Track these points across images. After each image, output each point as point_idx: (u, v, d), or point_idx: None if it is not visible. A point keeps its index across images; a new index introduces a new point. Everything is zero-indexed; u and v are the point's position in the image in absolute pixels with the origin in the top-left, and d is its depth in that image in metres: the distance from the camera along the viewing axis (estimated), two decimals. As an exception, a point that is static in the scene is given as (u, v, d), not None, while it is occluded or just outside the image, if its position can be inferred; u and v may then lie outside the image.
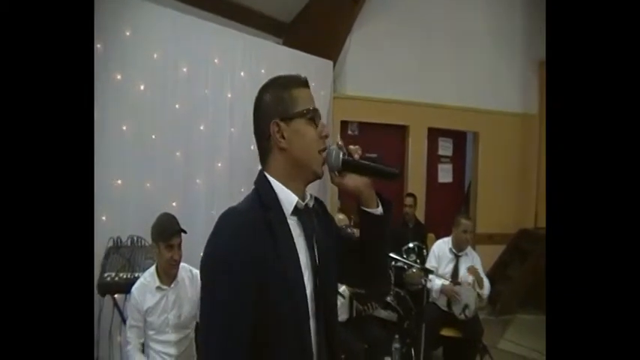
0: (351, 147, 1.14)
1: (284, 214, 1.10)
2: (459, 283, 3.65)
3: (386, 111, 5.59)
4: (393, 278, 3.95)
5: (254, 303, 1.01)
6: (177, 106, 3.71)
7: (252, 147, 4.27)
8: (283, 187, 1.12)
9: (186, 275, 2.51)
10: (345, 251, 1.24)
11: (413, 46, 5.67)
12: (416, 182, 5.74)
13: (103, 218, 3.28)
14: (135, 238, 3.05)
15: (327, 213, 1.30)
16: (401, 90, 5.59)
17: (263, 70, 4.41)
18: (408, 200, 4.86)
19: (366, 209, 1.17)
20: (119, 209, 3.36)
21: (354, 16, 5.23)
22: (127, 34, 3.37)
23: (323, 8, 5.03)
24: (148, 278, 2.46)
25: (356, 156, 1.13)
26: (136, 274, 2.73)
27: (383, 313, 3.88)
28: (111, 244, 3.01)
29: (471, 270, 3.65)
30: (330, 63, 5.26)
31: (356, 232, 1.43)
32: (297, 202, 1.11)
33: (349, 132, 5.58)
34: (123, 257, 2.88)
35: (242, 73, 4.19)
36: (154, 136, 3.59)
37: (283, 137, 1.11)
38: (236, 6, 4.66)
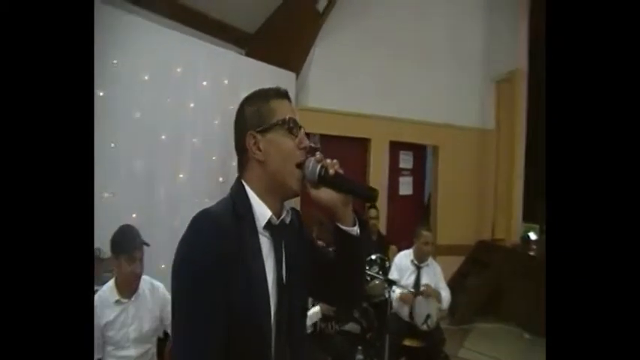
0: (328, 161, 1.12)
1: (256, 227, 1.08)
2: (420, 294, 3.70)
3: (348, 124, 5.66)
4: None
5: (223, 310, 0.99)
6: (137, 114, 3.61)
7: (214, 158, 4.34)
8: (259, 200, 1.10)
9: (147, 288, 2.43)
10: (320, 269, 1.22)
11: (376, 60, 5.78)
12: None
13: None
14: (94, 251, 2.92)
15: (304, 227, 1.27)
16: (363, 103, 5.68)
17: (226, 81, 4.38)
18: (372, 212, 4.91)
19: (342, 227, 1.14)
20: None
21: (318, 28, 5.29)
22: (87, 39, 3.27)
23: (287, 20, 5.05)
24: (106, 292, 2.36)
25: (331, 171, 1.10)
26: (95, 288, 2.63)
27: (346, 326, 3.88)
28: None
29: (427, 290, 3.71)
30: (293, 75, 5.28)
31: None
32: (271, 217, 1.09)
33: (311, 144, 5.59)
34: (80, 271, 2.75)
35: (205, 83, 4.14)
36: (113, 145, 3.47)
37: (259, 149, 1.09)
38: (199, 15, 4.61)
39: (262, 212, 1.09)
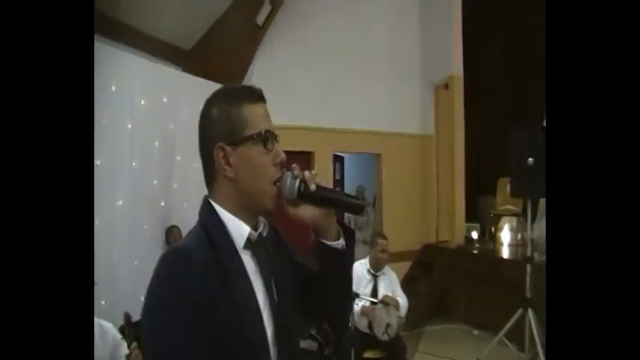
0: (307, 174, 1.00)
1: (235, 249, 0.96)
2: (381, 302, 3.69)
3: (291, 137, 5.59)
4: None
5: (208, 353, 0.87)
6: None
7: (155, 182, 4.13)
8: (232, 217, 0.98)
9: (96, 332, 2.22)
10: (304, 284, 1.11)
11: (316, 72, 5.81)
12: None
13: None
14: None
15: (282, 239, 1.16)
16: (305, 116, 5.66)
17: (165, 99, 4.19)
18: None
19: (326, 242, 1.04)
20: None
21: (257, 41, 5.21)
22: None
23: (226, 34, 4.94)
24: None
25: (312, 186, 0.98)
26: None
27: (303, 343, 3.80)
28: None
29: (387, 299, 3.72)
30: (234, 90, 5.16)
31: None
32: (250, 233, 0.97)
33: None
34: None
35: (142, 102, 3.93)
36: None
37: (229, 164, 0.96)
38: (131, 30, 4.38)
39: (239, 230, 0.97)
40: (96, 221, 3.57)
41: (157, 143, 4.07)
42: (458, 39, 6.39)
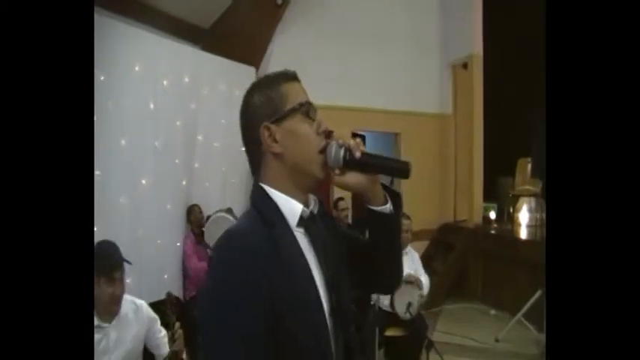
0: (352, 142, 1.00)
1: (290, 228, 0.98)
2: (407, 282, 3.71)
3: (310, 116, 5.58)
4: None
5: (269, 334, 0.89)
6: (94, 118, 3.37)
7: (177, 161, 4.15)
8: (284, 197, 1.00)
9: (130, 309, 2.25)
10: (354, 255, 1.12)
11: (335, 51, 5.74)
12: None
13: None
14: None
15: (328, 215, 1.18)
16: (324, 95, 5.60)
17: (186, 79, 4.18)
18: (342, 204, 4.89)
19: (374, 208, 1.06)
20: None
21: (276, 20, 5.15)
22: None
23: (245, 13, 4.88)
24: (84, 317, 2.17)
25: (357, 153, 0.99)
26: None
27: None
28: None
29: (409, 277, 3.74)
30: (253, 69, 5.13)
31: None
32: (302, 210, 1.00)
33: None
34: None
35: (165, 82, 3.93)
36: (69, 154, 3.22)
37: (276, 141, 0.99)
38: (150, 10, 4.35)
39: (292, 209, 0.99)
40: (121, 200, 3.62)
41: (178, 123, 4.08)
42: (478, 17, 6.25)
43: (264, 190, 1.01)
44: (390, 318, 3.76)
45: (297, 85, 1.04)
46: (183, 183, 4.25)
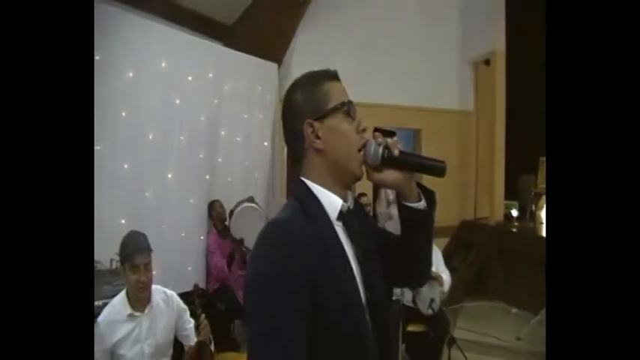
0: (389, 140, 1.05)
1: (330, 221, 1.02)
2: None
3: (331, 113, 5.59)
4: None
5: (311, 322, 0.92)
6: (123, 113, 3.44)
7: (201, 155, 4.21)
8: (325, 191, 1.04)
9: (161, 298, 2.31)
10: (387, 251, 1.16)
11: (357, 47, 5.74)
12: (364, 181, 5.81)
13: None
14: (90, 262, 2.76)
15: (365, 211, 1.22)
16: (347, 91, 5.62)
17: (210, 74, 4.23)
18: (364, 200, 4.89)
19: (409, 204, 1.09)
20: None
21: (298, 17, 5.17)
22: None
23: (267, 10, 4.91)
24: (116, 306, 2.20)
25: (396, 151, 1.03)
26: (96, 303, 2.49)
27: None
28: (62, 269, 2.71)
29: (433, 274, 3.73)
30: (275, 66, 5.16)
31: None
32: (342, 205, 1.04)
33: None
34: (78, 284, 2.60)
35: (190, 78, 3.98)
36: (98, 147, 3.29)
37: (318, 137, 1.02)
38: (175, 7, 4.41)
39: (332, 203, 1.03)
40: (147, 193, 3.69)
41: (202, 118, 4.14)
42: (501, 14, 6.18)
43: (305, 184, 1.04)
44: (412, 314, 3.76)
45: (338, 85, 1.08)
46: (207, 177, 4.30)
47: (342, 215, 1.03)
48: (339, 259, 0.99)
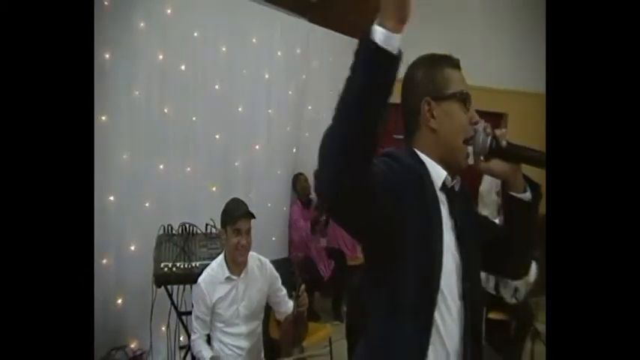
0: (497, 132, 1.08)
1: (434, 187, 1.06)
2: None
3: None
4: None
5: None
6: (216, 87, 3.57)
7: (288, 128, 4.28)
8: (433, 162, 1.08)
9: (255, 264, 2.39)
10: (489, 240, 1.16)
11: (440, 27, 5.54)
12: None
13: (147, 205, 3.17)
14: (186, 226, 2.92)
15: (470, 198, 1.23)
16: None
17: (298, 50, 4.28)
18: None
19: (515, 194, 1.11)
20: (162, 195, 3.25)
21: (383, -6, 5.04)
22: (168, 12, 3.21)
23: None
24: (215, 269, 2.33)
25: (503, 142, 1.06)
26: (193, 264, 2.64)
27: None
28: (161, 232, 2.89)
29: None
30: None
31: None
32: (446, 177, 1.07)
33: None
34: (177, 246, 2.75)
35: (279, 53, 4.05)
36: (194, 118, 3.45)
37: (433, 116, 1.07)
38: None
39: (437, 173, 1.07)
40: (236, 163, 3.82)
41: (290, 92, 4.21)
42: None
43: (414, 152, 1.10)
44: (495, 300, 3.65)
45: (459, 73, 1.12)
46: (294, 150, 4.38)
47: (445, 187, 1.07)
48: (435, 217, 1.02)
